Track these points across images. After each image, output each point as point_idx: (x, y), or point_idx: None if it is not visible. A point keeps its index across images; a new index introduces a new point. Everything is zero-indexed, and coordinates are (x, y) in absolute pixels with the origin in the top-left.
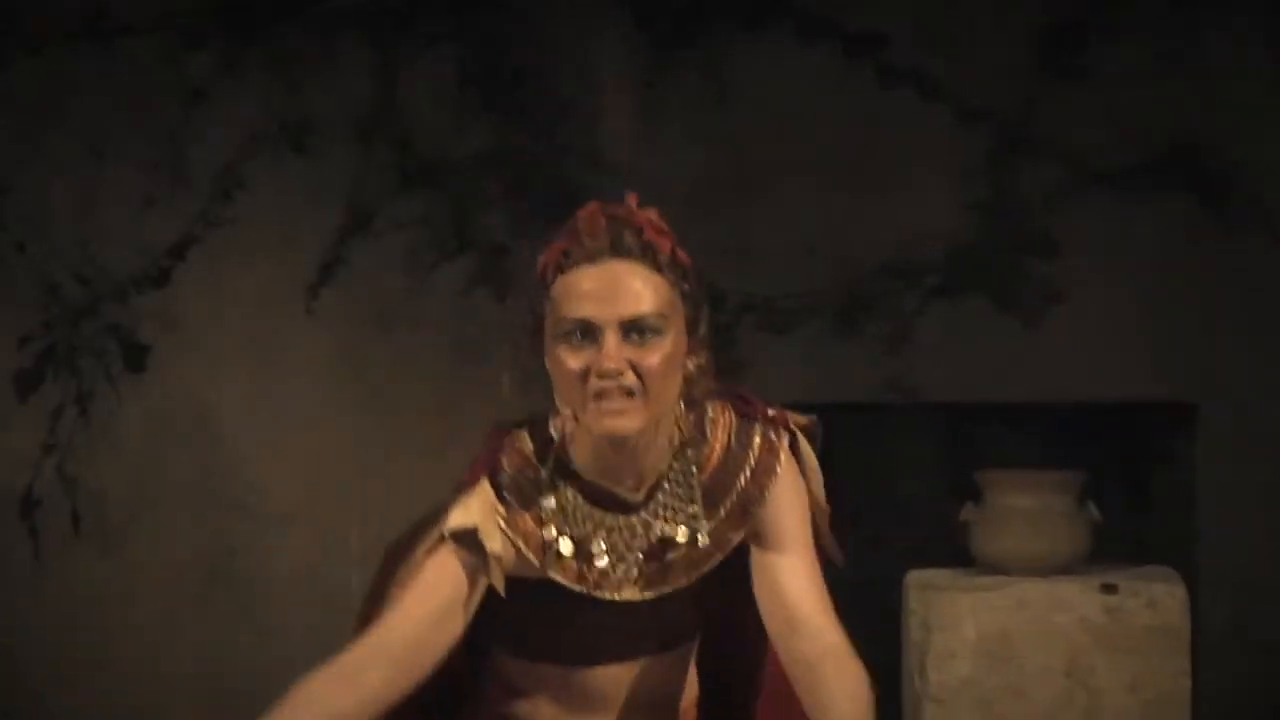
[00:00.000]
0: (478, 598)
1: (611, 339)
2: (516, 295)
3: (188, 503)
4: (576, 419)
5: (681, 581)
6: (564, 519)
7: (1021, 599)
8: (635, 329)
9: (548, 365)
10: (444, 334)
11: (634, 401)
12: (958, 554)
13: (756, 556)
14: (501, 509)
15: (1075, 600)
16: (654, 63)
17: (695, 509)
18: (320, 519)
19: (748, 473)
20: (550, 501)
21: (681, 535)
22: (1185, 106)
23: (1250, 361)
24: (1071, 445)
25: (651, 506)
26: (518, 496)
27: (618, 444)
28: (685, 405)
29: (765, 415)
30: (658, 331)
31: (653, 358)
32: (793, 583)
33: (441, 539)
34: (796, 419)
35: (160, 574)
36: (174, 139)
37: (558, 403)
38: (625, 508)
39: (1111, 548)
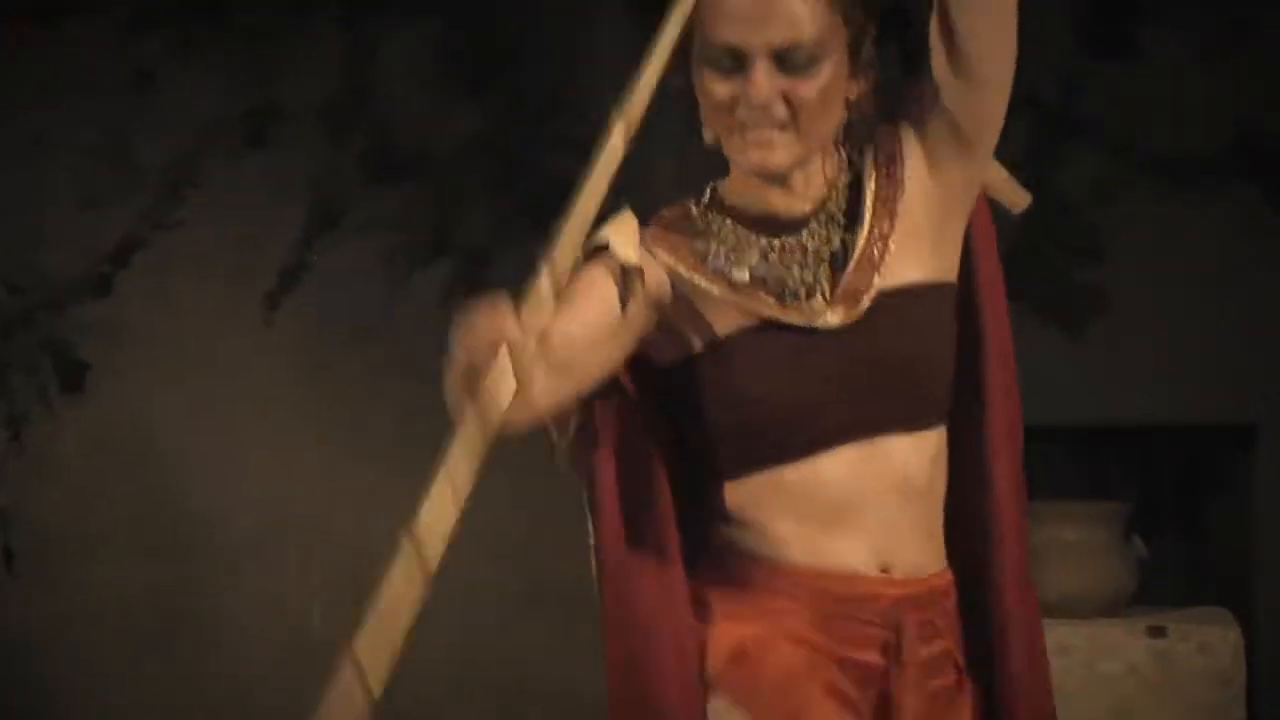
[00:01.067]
0: (631, 325)
1: (761, 68)
2: None
3: (137, 536)
4: (720, 148)
5: (872, 290)
6: (723, 242)
7: (1062, 644)
8: (789, 57)
9: (695, 88)
10: (421, 348)
11: (785, 135)
12: None
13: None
14: (651, 231)
15: (1121, 645)
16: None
17: (861, 209)
18: (284, 551)
19: (876, 174)
20: (702, 224)
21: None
22: (1246, 90)
23: None
24: (1117, 472)
25: (822, 218)
26: (672, 230)
27: (767, 178)
28: (846, 138)
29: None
30: (814, 60)
31: (808, 89)
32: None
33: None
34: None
35: (110, 614)
36: (119, 129)
37: (703, 130)
38: (793, 225)
39: (1160, 586)
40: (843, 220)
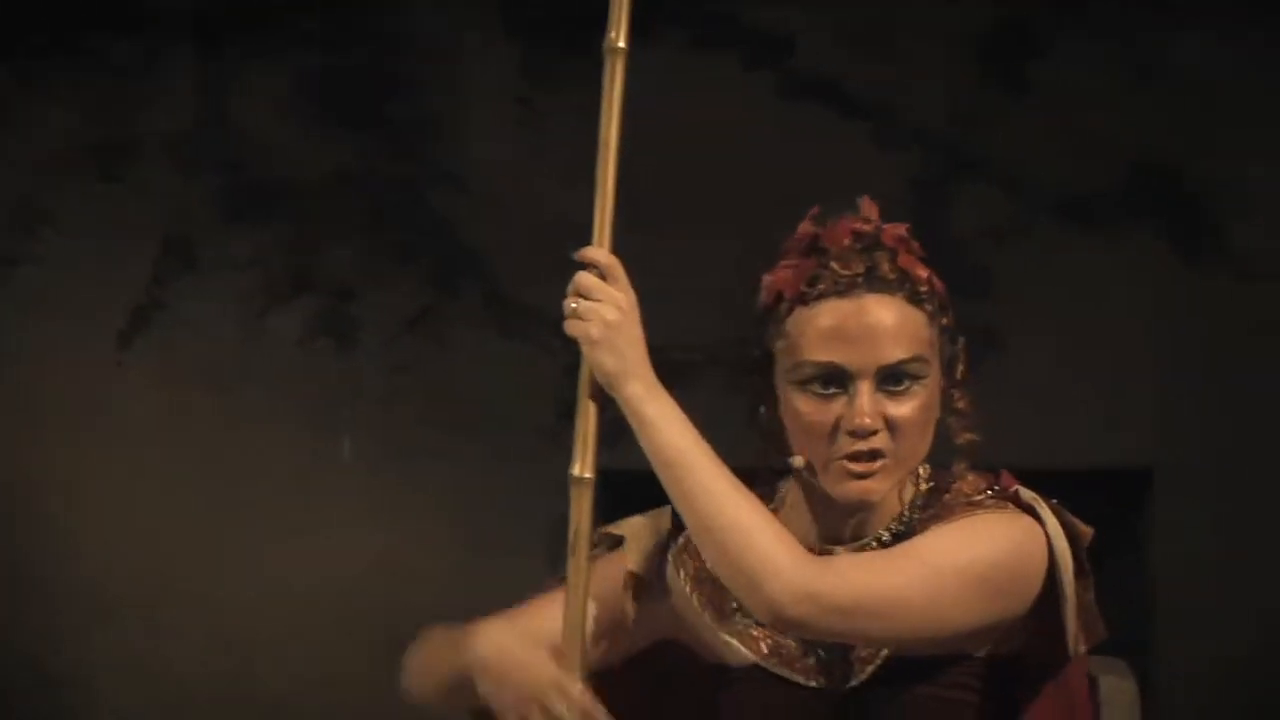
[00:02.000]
0: (626, 625)
1: (865, 391)
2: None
3: None
4: (810, 474)
5: (866, 669)
6: None
7: None
8: (892, 377)
9: (780, 413)
10: (279, 390)
11: (883, 464)
12: None
13: None
14: (678, 540)
15: None
16: (530, 76)
17: None
18: (154, 604)
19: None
20: None
21: None
22: (1144, 126)
23: (1215, 422)
24: None
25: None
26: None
27: (856, 508)
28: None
29: (1017, 494)
30: (917, 378)
31: (910, 409)
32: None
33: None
34: (1064, 513)
35: None
36: None
37: (791, 455)
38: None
39: None
40: None
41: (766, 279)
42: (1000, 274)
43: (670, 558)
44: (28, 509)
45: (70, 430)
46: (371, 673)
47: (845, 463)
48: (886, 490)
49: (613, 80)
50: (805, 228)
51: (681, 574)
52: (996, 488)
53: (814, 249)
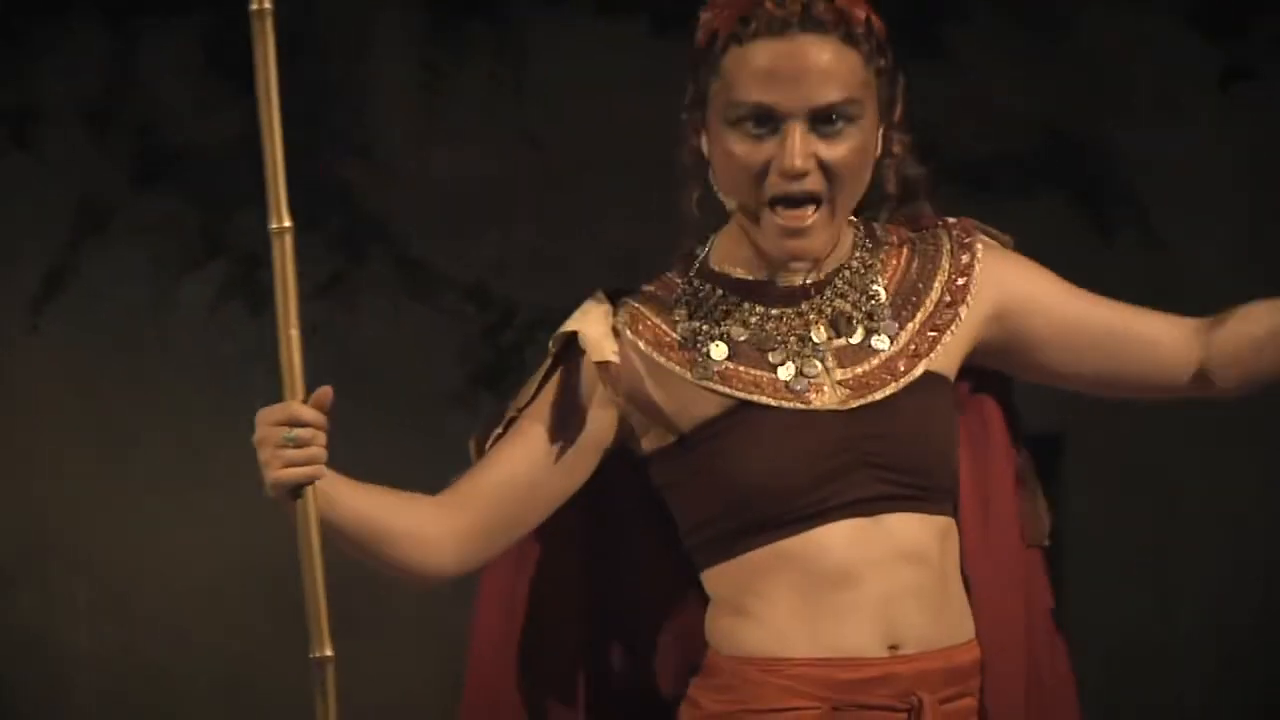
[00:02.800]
0: (590, 439)
1: (797, 132)
2: None
3: None
4: (743, 218)
5: (888, 387)
6: (708, 315)
7: None
8: (825, 118)
9: (711, 154)
10: (192, 355)
11: (819, 214)
12: None
13: (1058, 352)
14: (622, 315)
15: None
16: (436, 42)
17: (877, 290)
18: (46, 574)
19: (945, 271)
20: (686, 299)
21: (870, 331)
22: (1054, 93)
23: None
24: None
25: (826, 294)
26: (647, 307)
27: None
28: (899, 198)
29: (945, 220)
30: (850, 119)
31: (844, 150)
32: (1142, 334)
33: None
34: (987, 229)
35: None
36: None
37: (721, 194)
38: (791, 295)
39: None
40: (856, 294)
41: (704, 16)
42: None
43: (623, 332)
44: None
45: None
46: (276, 639)
47: (777, 215)
48: (822, 247)
49: (263, 41)
50: None
51: (642, 343)
52: (940, 225)
53: None
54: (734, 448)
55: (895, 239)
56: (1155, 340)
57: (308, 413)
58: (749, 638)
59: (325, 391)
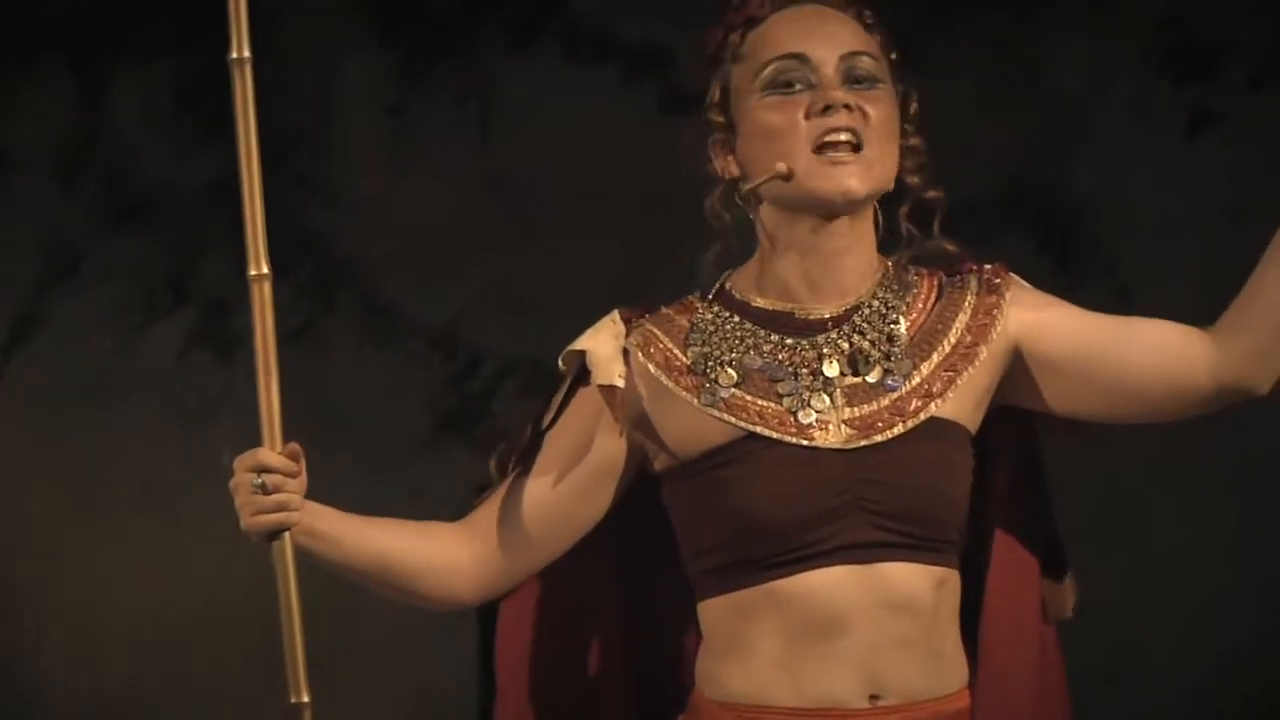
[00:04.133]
0: (606, 462)
1: (831, 73)
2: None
3: None
4: (787, 182)
5: (895, 428)
6: (723, 341)
7: None
8: (856, 72)
9: (741, 146)
10: (159, 402)
11: (860, 158)
12: None
13: (1074, 382)
14: (634, 337)
15: None
16: (403, 85)
17: (897, 329)
18: (14, 621)
19: (967, 313)
20: (704, 323)
21: (884, 370)
22: (1020, 139)
23: (1092, 432)
24: None
25: (844, 329)
26: (661, 330)
27: (840, 210)
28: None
29: (981, 266)
30: (877, 82)
31: (877, 105)
32: (1152, 343)
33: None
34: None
35: None
36: None
37: (753, 181)
38: (810, 328)
39: None
40: (875, 332)
41: (710, 29)
42: None
43: (633, 354)
44: None
45: None
46: (246, 683)
47: (823, 155)
48: (867, 190)
49: (242, 89)
50: None
51: (652, 366)
52: (971, 269)
53: None
54: (734, 479)
55: (924, 283)
56: (1168, 340)
57: (275, 459)
58: (732, 683)
59: (293, 448)
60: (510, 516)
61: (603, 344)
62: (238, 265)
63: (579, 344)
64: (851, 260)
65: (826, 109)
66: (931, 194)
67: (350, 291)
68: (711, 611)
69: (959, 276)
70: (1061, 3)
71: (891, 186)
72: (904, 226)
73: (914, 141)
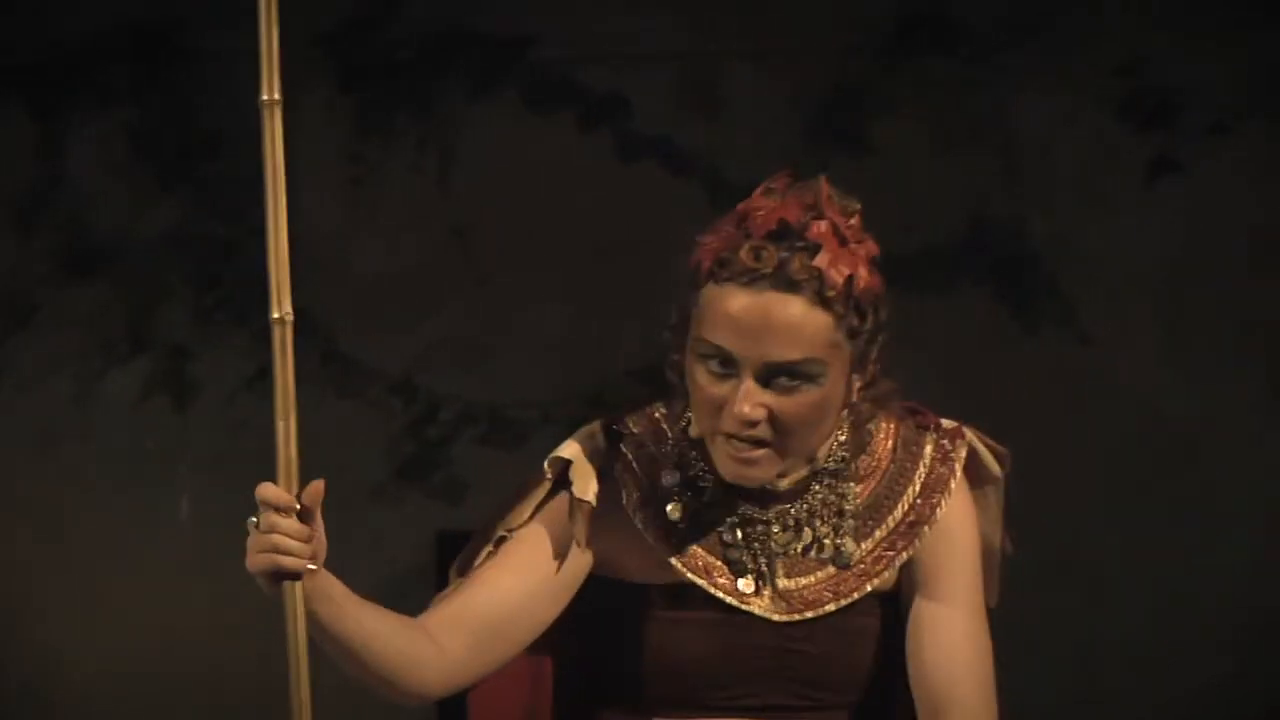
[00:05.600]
0: (576, 570)
1: (750, 383)
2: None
3: None
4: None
5: (828, 605)
6: (690, 495)
7: None
8: (782, 374)
9: (686, 369)
10: (116, 449)
11: (765, 453)
12: None
13: (914, 606)
14: (614, 458)
15: None
16: (362, 132)
17: (849, 511)
18: None
19: (916, 486)
20: (673, 475)
21: (829, 546)
22: (978, 186)
23: (1054, 480)
24: None
25: (799, 504)
26: (637, 457)
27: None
28: (849, 424)
29: (939, 425)
30: (809, 379)
31: (796, 408)
32: (955, 649)
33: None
34: (985, 439)
35: None
36: None
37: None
38: (765, 498)
39: None
40: (825, 508)
41: (701, 239)
42: None
43: (616, 477)
44: None
45: None
46: None
47: (730, 444)
48: (771, 476)
49: (272, 131)
50: (752, 200)
51: (624, 495)
52: (932, 427)
53: (738, 233)
54: (668, 624)
55: (881, 437)
56: (948, 690)
57: (271, 494)
58: None
59: (316, 487)
60: (480, 612)
61: (583, 457)
62: (195, 313)
63: (564, 451)
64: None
65: (735, 416)
66: (882, 390)
67: (309, 339)
68: None
69: (918, 433)
70: (1022, 48)
71: (819, 455)
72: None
73: (859, 398)
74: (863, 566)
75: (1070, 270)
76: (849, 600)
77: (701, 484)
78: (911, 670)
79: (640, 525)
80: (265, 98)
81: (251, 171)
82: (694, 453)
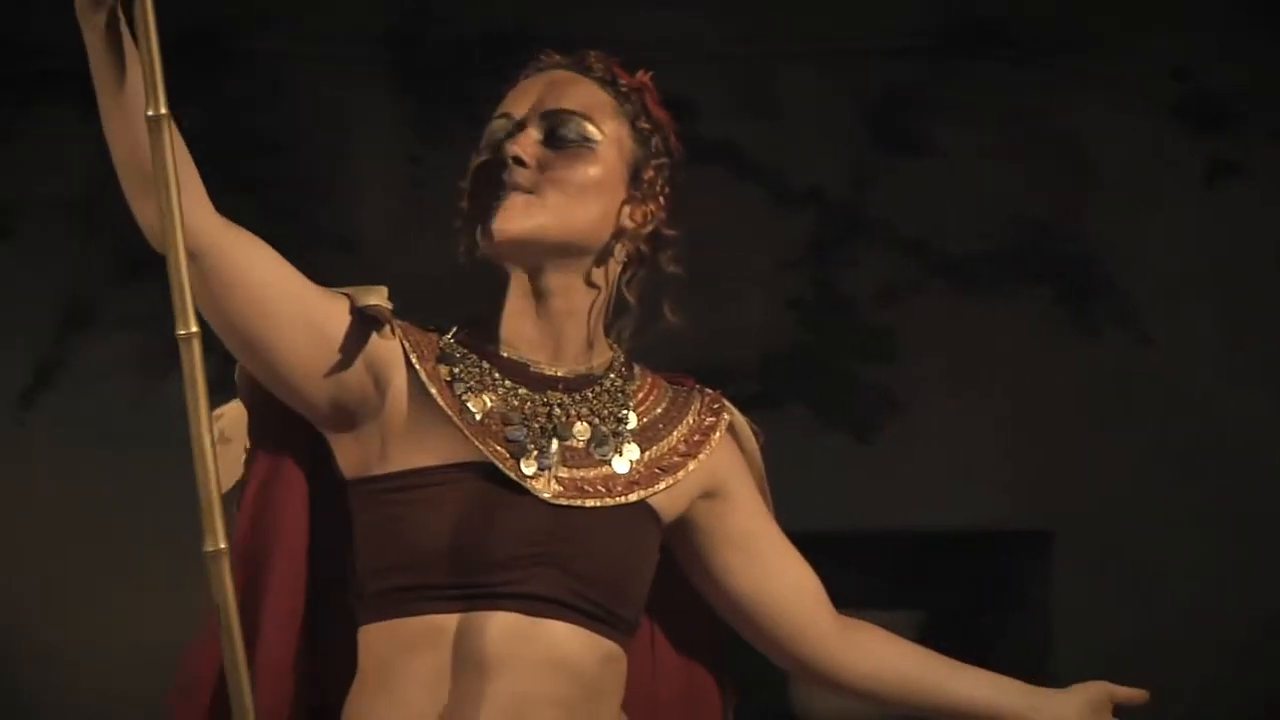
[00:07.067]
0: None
1: (529, 132)
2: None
3: None
4: (472, 252)
5: (600, 497)
6: (466, 371)
7: None
8: (559, 129)
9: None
10: (178, 449)
11: (529, 198)
12: (777, 711)
13: (723, 555)
14: (404, 329)
15: None
16: (421, 133)
17: (626, 414)
18: (29, 671)
19: (689, 422)
20: (448, 348)
21: (610, 446)
22: (1039, 189)
23: (1116, 483)
24: (907, 580)
25: (576, 397)
26: (423, 339)
27: (512, 251)
28: (625, 271)
29: (703, 389)
30: (584, 142)
31: (568, 165)
32: (789, 560)
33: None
34: (749, 422)
35: None
36: None
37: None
38: (542, 382)
39: None
40: (606, 412)
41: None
42: (898, 336)
43: (401, 340)
44: None
45: None
46: None
47: (496, 198)
48: (527, 230)
49: (161, 149)
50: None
51: (415, 358)
52: (695, 389)
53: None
54: (449, 501)
55: (648, 381)
56: (805, 590)
57: None
58: (382, 714)
59: None
60: (256, 256)
61: (380, 301)
62: None
63: (353, 293)
64: (570, 327)
65: (501, 161)
66: (671, 269)
67: None
68: (371, 639)
69: (682, 388)
70: (1079, 52)
71: (578, 240)
72: (624, 292)
73: (633, 218)
74: (635, 477)
75: (1130, 272)
76: (623, 500)
77: (477, 372)
78: (748, 594)
79: (442, 403)
80: (151, 113)
81: (305, 172)
82: (466, 348)
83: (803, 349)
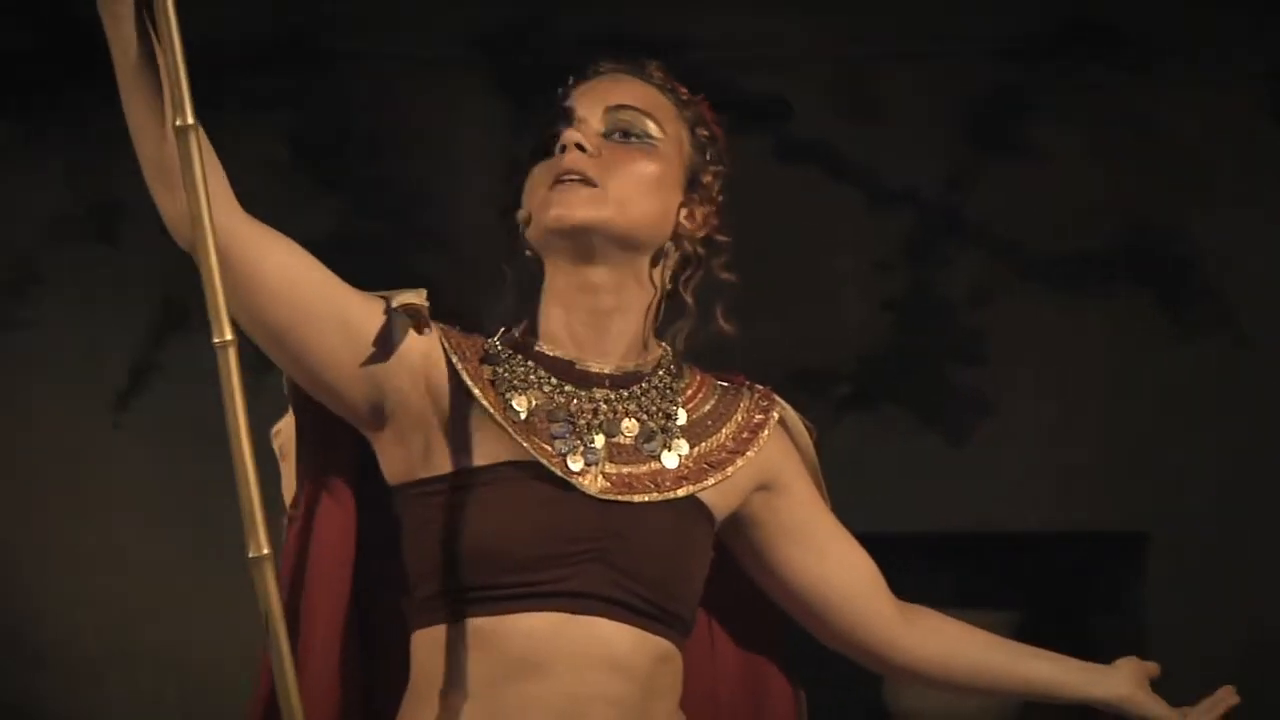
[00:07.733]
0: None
1: (591, 124)
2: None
3: None
4: (533, 241)
5: (649, 492)
6: (510, 371)
7: None
8: (623, 124)
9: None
10: (272, 452)
11: (589, 191)
12: (871, 711)
13: (782, 548)
14: (444, 332)
15: None
16: (521, 136)
17: (675, 410)
18: (135, 672)
19: (739, 419)
20: (492, 349)
21: (657, 443)
22: (1136, 189)
23: (1212, 485)
24: (1002, 582)
25: (623, 394)
26: (465, 341)
27: (569, 241)
28: (680, 267)
29: (753, 385)
30: (644, 138)
31: (628, 159)
32: (849, 548)
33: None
34: (802, 417)
35: None
36: None
37: (530, 239)
38: (588, 379)
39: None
40: (655, 408)
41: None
42: (994, 337)
43: (442, 341)
44: (24, 572)
45: (68, 493)
46: None
47: (554, 190)
48: (591, 219)
49: (189, 159)
50: None
51: (456, 360)
52: (745, 386)
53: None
54: (495, 500)
55: (697, 379)
56: (865, 578)
57: None
58: None
59: None
60: (289, 255)
61: (418, 302)
62: None
63: (402, 299)
64: (619, 324)
65: (563, 149)
66: (724, 276)
67: None
68: (422, 646)
69: (731, 385)
70: (1180, 54)
71: (640, 235)
72: (682, 294)
73: (689, 218)
74: (684, 472)
75: (1228, 274)
76: (671, 495)
77: (523, 371)
78: (809, 584)
79: (485, 402)
80: (179, 123)
81: (408, 173)
82: (510, 349)
83: (898, 351)
